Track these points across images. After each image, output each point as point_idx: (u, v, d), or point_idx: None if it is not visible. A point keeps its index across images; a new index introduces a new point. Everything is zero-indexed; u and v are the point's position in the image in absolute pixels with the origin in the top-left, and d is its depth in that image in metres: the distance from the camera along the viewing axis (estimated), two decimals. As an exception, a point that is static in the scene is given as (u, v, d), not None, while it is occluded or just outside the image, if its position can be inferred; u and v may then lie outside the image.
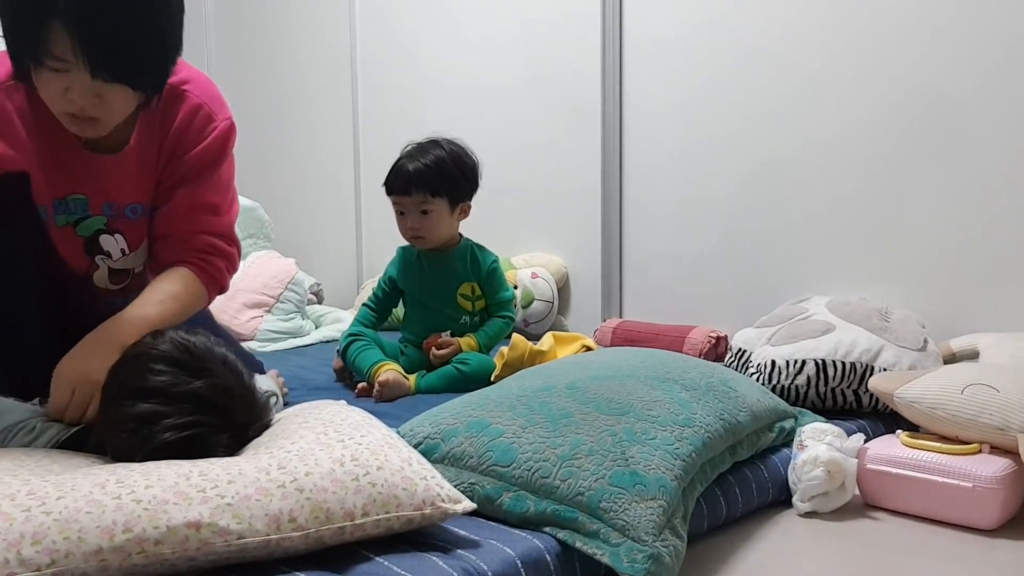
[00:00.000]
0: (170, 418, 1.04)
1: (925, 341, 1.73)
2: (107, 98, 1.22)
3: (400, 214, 1.90)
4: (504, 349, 1.83)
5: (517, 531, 1.05)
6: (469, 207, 1.93)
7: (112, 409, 1.09)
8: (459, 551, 0.97)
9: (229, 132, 1.45)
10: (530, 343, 1.85)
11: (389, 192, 1.89)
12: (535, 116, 2.63)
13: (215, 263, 1.46)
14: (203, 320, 1.53)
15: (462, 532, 1.03)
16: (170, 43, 1.26)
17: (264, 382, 1.40)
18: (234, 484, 0.91)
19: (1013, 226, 1.80)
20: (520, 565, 0.98)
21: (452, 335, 1.90)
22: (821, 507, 1.32)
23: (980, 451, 1.32)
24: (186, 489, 0.89)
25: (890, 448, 1.37)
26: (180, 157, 1.42)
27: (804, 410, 1.57)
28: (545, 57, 2.60)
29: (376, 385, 1.74)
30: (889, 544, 1.24)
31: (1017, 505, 1.30)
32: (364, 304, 2.02)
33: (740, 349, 1.85)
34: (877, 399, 1.62)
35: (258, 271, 2.65)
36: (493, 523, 1.08)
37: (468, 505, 1.01)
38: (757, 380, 1.69)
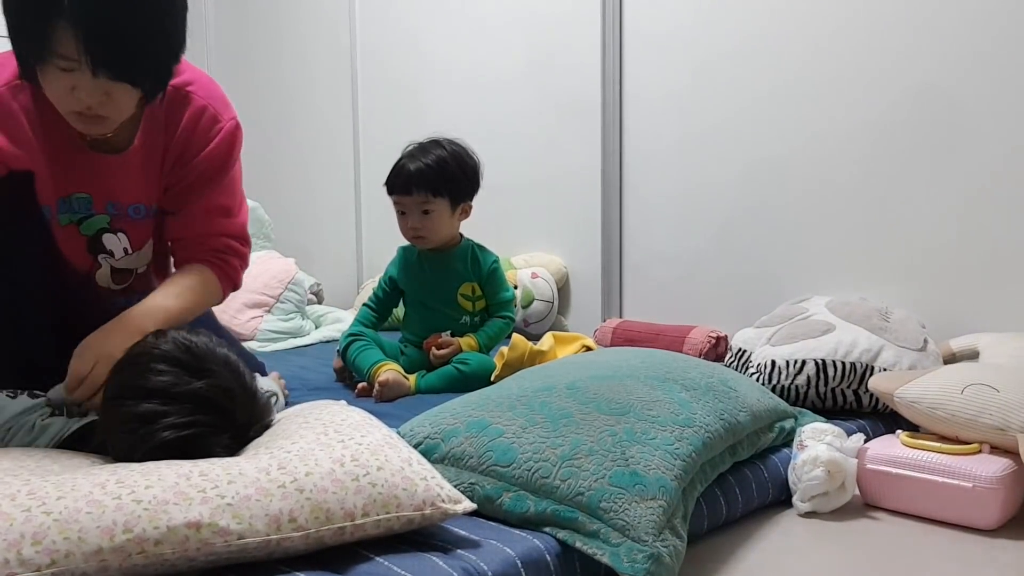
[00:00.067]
0: (170, 417, 1.04)
1: (925, 341, 1.73)
2: (114, 96, 1.23)
3: (401, 214, 1.90)
4: (504, 349, 1.83)
5: (517, 531, 1.05)
6: (470, 207, 1.93)
7: (113, 408, 1.09)
8: (459, 551, 0.97)
9: (235, 133, 1.46)
10: (530, 343, 1.85)
11: (390, 192, 1.89)
12: (535, 116, 2.63)
13: (231, 262, 1.49)
14: (205, 321, 1.54)
15: (462, 532, 1.03)
16: (174, 42, 1.26)
17: (265, 383, 1.40)
18: (234, 484, 0.91)
19: (1013, 226, 1.80)
20: (520, 565, 0.98)
21: (452, 335, 1.90)
22: (821, 507, 1.32)
23: (980, 451, 1.32)
24: (186, 489, 0.89)
25: (890, 448, 1.37)
26: (188, 160, 1.43)
27: (804, 410, 1.57)
28: (545, 57, 2.60)
29: (376, 385, 1.74)
30: (889, 544, 1.24)
31: (1017, 505, 1.30)
32: (364, 304, 2.02)
33: (740, 349, 1.85)
34: (877, 399, 1.62)
35: (258, 271, 2.65)
36: (493, 523, 1.08)
37: (468, 505, 1.01)
38: (757, 380, 1.69)
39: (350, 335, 1.91)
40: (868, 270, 2.01)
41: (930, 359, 1.69)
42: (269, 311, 2.58)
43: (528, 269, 2.54)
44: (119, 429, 1.06)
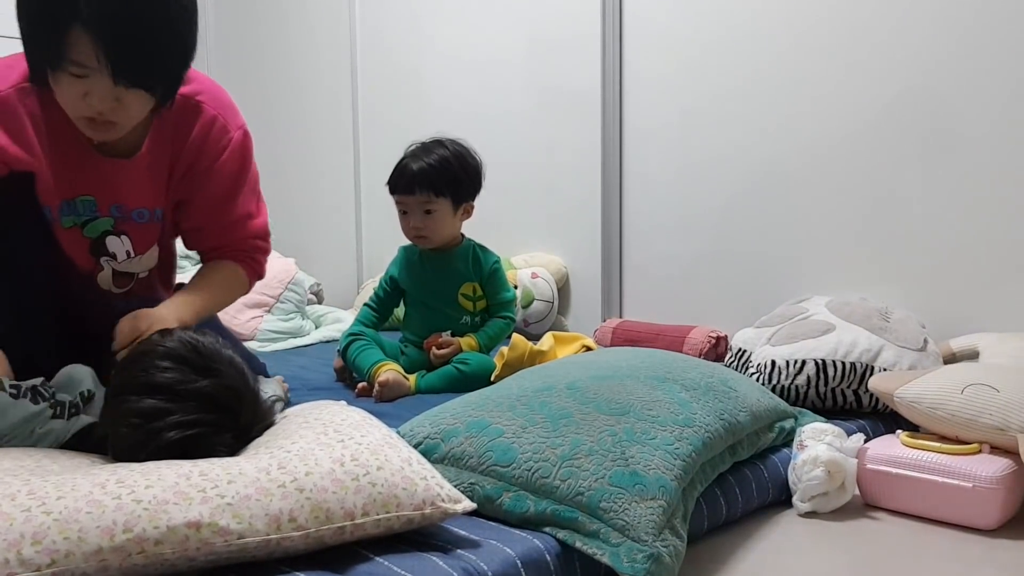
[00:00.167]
0: (174, 415, 1.04)
1: (925, 341, 1.73)
2: (125, 102, 1.24)
3: (403, 213, 1.90)
4: (504, 349, 1.83)
5: (517, 531, 1.05)
6: (472, 207, 1.93)
7: (117, 403, 1.09)
8: (459, 551, 0.97)
9: (245, 141, 1.49)
10: (530, 343, 1.85)
11: (393, 191, 1.89)
12: (536, 117, 2.63)
13: (257, 258, 1.59)
14: (209, 322, 1.55)
15: (462, 532, 1.03)
16: (187, 48, 1.28)
17: (269, 386, 1.41)
18: (234, 484, 0.91)
19: (1013, 226, 1.80)
20: (520, 565, 0.98)
21: (453, 335, 1.90)
22: (821, 507, 1.32)
23: (980, 451, 1.32)
24: (186, 489, 0.89)
25: (890, 448, 1.37)
26: (200, 173, 1.46)
27: (804, 410, 1.57)
28: (546, 57, 2.60)
29: (376, 385, 1.74)
30: (889, 544, 1.24)
31: (1017, 505, 1.30)
32: (365, 304, 2.02)
33: (740, 349, 1.85)
34: (877, 399, 1.62)
35: (258, 271, 2.65)
36: (493, 523, 1.08)
37: (468, 505, 1.01)
38: (757, 380, 1.69)
39: (350, 334, 1.91)
40: (868, 270, 2.01)
41: (930, 359, 1.69)
42: (269, 311, 2.58)
43: (528, 269, 2.54)
44: (121, 424, 1.06)
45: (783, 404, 1.48)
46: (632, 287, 2.45)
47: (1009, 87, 1.79)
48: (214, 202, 1.50)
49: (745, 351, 1.83)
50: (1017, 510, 1.31)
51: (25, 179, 1.33)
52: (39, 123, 1.32)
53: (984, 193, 1.84)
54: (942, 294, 1.90)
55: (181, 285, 1.67)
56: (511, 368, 1.75)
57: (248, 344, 2.31)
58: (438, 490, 1.00)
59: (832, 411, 1.65)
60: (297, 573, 0.90)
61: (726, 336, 2.11)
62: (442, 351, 1.86)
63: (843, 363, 1.65)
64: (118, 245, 1.45)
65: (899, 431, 1.42)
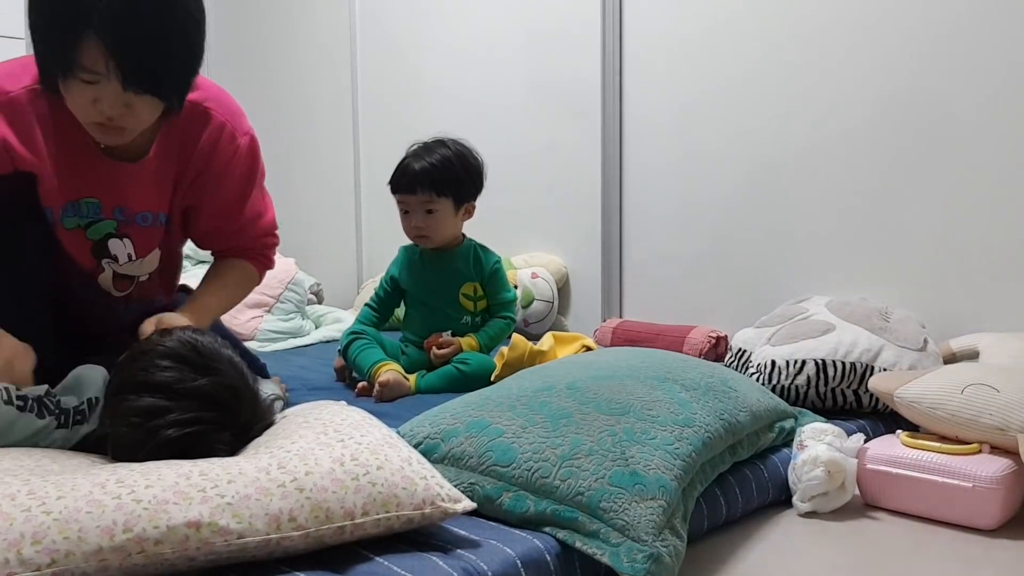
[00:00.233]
0: (174, 413, 1.04)
1: (925, 341, 1.73)
2: (135, 108, 1.25)
3: (405, 213, 1.90)
4: (504, 349, 1.83)
5: (517, 531, 1.05)
6: (473, 207, 1.93)
7: (116, 402, 1.09)
8: (459, 551, 0.97)
9: (253, 147, 1.52)
10: (530, 343, 1.85)
11: (394, 191, 1.89)
12: (535, 116, 2.63)
13: (268, 253, 1.64)
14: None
15: (462, 532, 1.03)
16: (196, 54, 1.29)
17: (268, 387, 1.41)
18: (234, 484, 0.91)
19: (1013, 226, 1.80)
20: (520, 565, 0.98)
21: (453, 335, 1.90)
22: (821, 507, 1.32)
23: (980, 451, 1.32)
24: (186, 489, 0.89)
25: (890, 448, 1.37)
26: (210, 180, 1.48)
27: (804, 410, 1.57)
28: (545, 57, 2.60)
29: (376, 385, 1.74)
30: (889, 544, 1.24)
31: (1017, 505, 1.30)
32: (366, 304, 2.03)
33: (740, 349, 1.85)
34: (877, 399, 1.62)
35: (258, 271, 2.65)
36: (493, 523, 1.08)
37: (468, 504, 1.01)
38: (757, 380, 1.69)
39: (351, 333, 1.91)
40: (868, 270, 2.01)
41: (930, 359, 1.69)
42: (269, 311, 2.58)
43: (528, 269, 2.54)
44: (121, 423, 1.06)
45: (783, 404, 1.48)
46: (632, 287, 2.45)
47: (1010, 87, 1.79)
48: (224, 207, 1.52)
49: (745, 351, 1.83)
50: (1017, 510, 1.31)
51: (27, 179, 1.33)
52: (47, 125, 1.33)
53: (984, 193, 1.84)
54: (942, 294, 1.90)
55: (184, 287, 1.68)
56: (511, 368, 1.75)
57: (248, 344, 2.31)
58: (438, 490, 0.99)
59: (832, 411, 1.65)
60: (297, 573, 0.90)
61: (726, 336, 2.11)
62: (442, 351, 1.86)
63: (843, 363, 1.65)
64: (120, 248, 1.45)
65: (899, 431, 1.42)
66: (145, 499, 0.86)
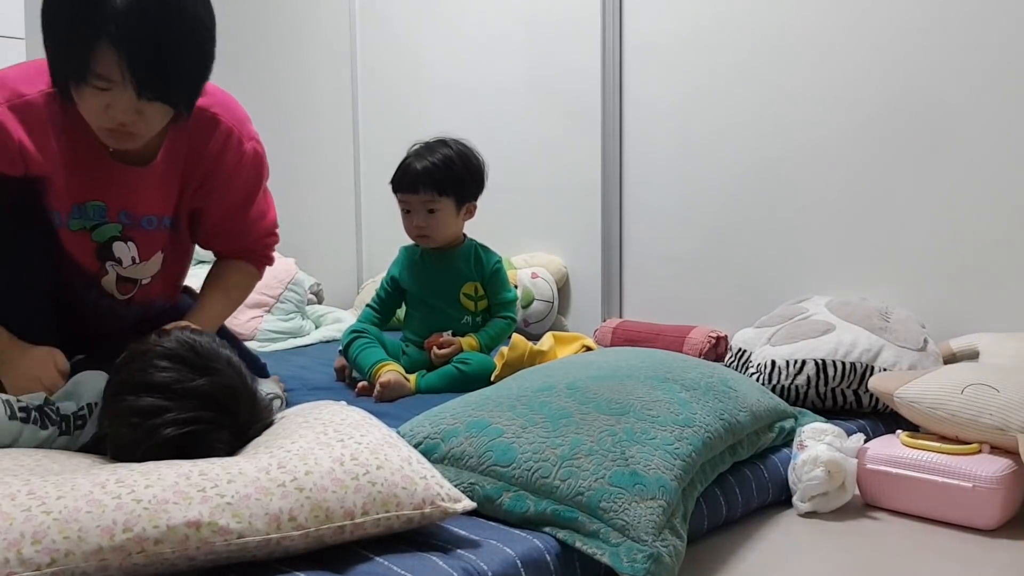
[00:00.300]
0: (172, 413, 1.04)
1: (925, 341, 1.73)
2: (146, 114, 1.27)
3: (406, 212, 1.90)
4: (504, 349, 1.83)
5: (517, 531, 1.05)
6: (475, 207, 1.93)
7: (115, 402, 1.09)
8: (459, 551, 0.97)
9: (259, 152, 1.54)
10: (530, 343, 1.85)
11: (396, 190, 1.89)
12: (535, 116, 2.63)
13: (269, 253, 1.68)
14: None
15: (462, 532, 1.03)
16: (206, 62, 1.31)
17: (267, 386, 1.41)
18: (234, 483, 0.91)
19: (1013, 226, 1.80)
20: (520, 565, 0.98)
21: (453, 335, 1.90)
22: (821, 507, 1.32)
23: (980, 451, 1.32)
24: (186, 488, 0.89)
25: (890, 448, 1.37)
26: (217, 186, 1.50)
27: (804, 410, 1.57)
28: (545, 57, 2.60)
29: (377, 386, 1.74)
30: (889, 544, 1.24)
31: (1017, 505, 1.30)
32: (368, 305, 2.03)
33: (740, 349, 1.85)
34: (877, 399, 1.62)
35: (258, 271, 2.65)
36: (493, 523, 1.08)
37: (468, 504, 1.01)
38: (757, 380, 1.69)
39: (352, 332, 1.91)
40: (868, 270, 2.01)
41: (930, 359, 1.69)
42: (269, 311, 2.58)
43: (528, 269, 2.54)
44: (120, 424, 1.07)
45: (783, 404, 1.48)
46: (632, 287, 2.45)
47: (1009, 87, 1.79)
48: (229, 210, 1.55)
49: (745, 351, 1.83)
50: (1017, 510, 1.31)
51: (33, 182, 1.35)
52: (59, 128, 1.35)
53: (985, 193, 1.84)
54: (942, 294, 1.90)
55: (187, 288, 1.69)
56: (511, 368, 1.75)
57: (248, 344, 2.31)
58: (438, 489, 1.00)
59: (832, 411, 1.65)
60: (297, 573, 0.90)
61: (726, 336, 2.11)
62: (443, 351, 1.86)
63: (843, 363, 1.65)
64: (124, 250, 1.47)
65: (899, 431, 1.42)
66: (145, 499, 0.87)
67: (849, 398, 1.66)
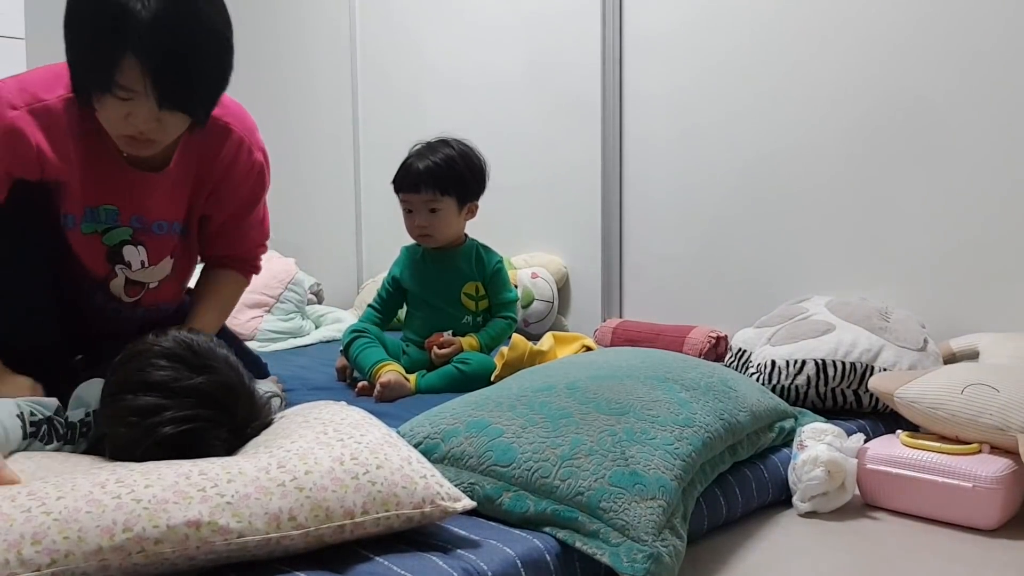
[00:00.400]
0: (170, 411, 1.04)
1: (925, 341, 1.73)
2: (165, 122, 1.29)
3: (408, 212, 1.90)
4: (504, 349, 1.83)
5: (517, 531, 1.05)
6: (476, 207, 1.93)
7: (113, 402, 1.09)
8: (459, 551, 0.97)
9: (266, 163, 1.58)
10: (530, 343, 1.85)
11: (398, 190, 1.89)
12: (535, 116, 2.63)
13: (258, 263, 1.71)
14: None
15: (462, 532, 1.03)
16: (225, 72, 1.33)
17: (265, 386, 1.41)
18: (234, 483, 0.91)
19: (1013, 226, 1.80)
20: (520, 565, 0.98)
21: (454, 335, 1.90)
22: (821, 507, 1.32)
23: (980, 451, 1.32)
24: (186, 488, 0.89)
25: (890, 448, 1.37)
26: (226, 193, 1.53)
27: (804, 410, 1.57)
28: (545, 57, 2.60)
29: (377, 386, 1.74)
30: (889, 544, 1.24)
31: (1017, 505, 1.30)
32: (369, 305, 2.03)
33: (740, 349, 1.85)
34: (877, 399, 1.62)
35: (258, 271, 2.65)
36: (493, 523, 1.08)
37: (468, 503, 1.01)
38: (757, 380, 1.69)
39: (353, 331, 1.91)
40: (868, 270, 2.01)
41: (930, 359, 1.69)
42: (269, 311, 2.58)
43: (528, 269, 2.54)
44: (118, 423, 1.07)
45: (783, 404, 1.48)
46: (632, 287, 2.45)
47: (1008, 87, 1.79)
48: (232, 216, 1.58)
49: (745, 351, 1.83)
50: (1017, 510, 1.31)
51: (45, 185, 1.37)
52: (76, 133, 1.36)
53: (984, 193, 1.84)
54: (942, 294, 1.90)
55: (190, 290, 1.70)
56: (511, 368, 1.75)
57: (248, 344, 2.31)
58: (438, 488, 1.00)
59: (832, 411, 1.65)
60: (297, 573, 0.90)
61: (726, 336, 2.11)
62: (443, 350, 1.86)
63: (843, 363, 1.65)
64: (134, 254, 1.49)
65: (899, 431, 1.42)
66: (145, 499, 0.86)
67: (849, 398, 1.66)
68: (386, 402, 1.72)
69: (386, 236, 2.68)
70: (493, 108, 2.72)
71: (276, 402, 1.33)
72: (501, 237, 2.32)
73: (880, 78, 1.96)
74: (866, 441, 1.39)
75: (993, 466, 1.27)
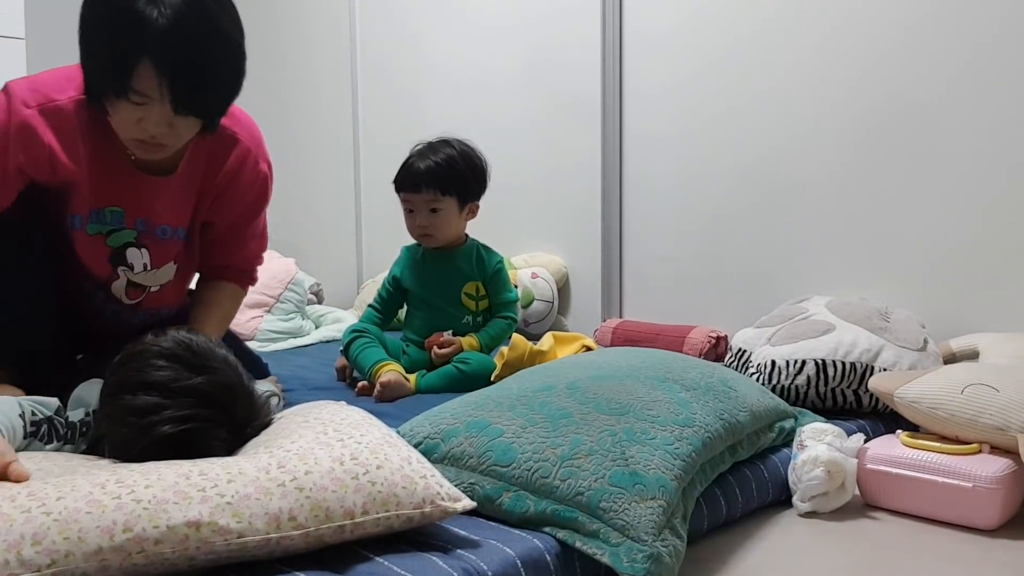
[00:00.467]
0: (169, 411, 1.04)
1: (925, 341, 1.73)
2: (177, 127, 1.30)
3: (409, 212, 1.90)
4: (504, 349, 1.83)
5: (517, 531, 1.05)
6: (477, 207, 1.93)
7: (112, 402, 1.09)
8: (459, 551, 0.97)
9: (270, 175, 1.59)
10: (530, 343, 1.85)
11: (399, 189, 1.90)
12: (535, 116, 2.63)
13: (255, 274, 1.72)
14: None
15: (462, 532, 1.03)
16: (238, 78, 1.35)
17: (264, 386, 1.41)
18: (234, 483, 0.91)
19: (1013, 226, 1.80)
20: (520, 565, 0.98)
21: (454, 335, 1.90)
22: (821, 507, 1.32)
23: (980, 451, 1.32)
24: (186, 488, 0.89)
25: (890, 448, 1.37)
26: (231, 202, 1.55)
27: (804, 410, 1.57)
28: (545, 57, 2.60)
29: (377, 385, 1.74)
30: (889, 544, 1.24)
31: (1017, 505, 1.30)
32: (370, 305, 2.03)
33: (740, 349, 1.85)
34: (877, 399, 1.62)
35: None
36: (493, 523, 1.08)
37: (467, 503, 1.01)
38: (757, 380, 1.69)
39: (353, 331, 1.91)
40: (868, 270, 2.01)
41: (930, 359, 1.69)
42: (269, 311, 2.58)
43: (528, 269, 2.54)
44: (118, 423, 1.07)
45: (783, 404, 1.48)
46: (632, 287, 2.45)
47: (1008, 87, 1.79)
48: (233, 226, 1.59)
49: (745, 351, 1.83)
50: (1017, 510, 1.31)
51: (59, 188, 1.39)
52: (87, 135, 1.37)
53: (984, 193, 1.84)
54: (942, 294, 1.89)
55: (192, 292, 1.70)
56: (511, 368, 1.75)
57: (248, 344, 2.31)
58: (438, 488, 1.00)
59: (832, 411, 1.65)
60: (297, 573, 0.90)
61: (726, 336, 2.11)
62: (443, 350, 1.86)
63: (843, 363, 1.65)
64: (137, 257, 1.49)
65: (899, 431, 1.42)
66: (145, 499, 0.86)
67: (849, 398, 1.66)
68: (386, 402, 1.72)
69: (386, 236, 2.68)
70: (493, 107, 2.72)
71: (274, 401, 1.33)
72: (501, 237, 2.32)
73: (881, 77, 1.96)
74: (866, 441, 1.39)
75: (993, 466, 1.27)
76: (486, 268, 1.95)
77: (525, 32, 2.65)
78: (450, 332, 1.91)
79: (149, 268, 1.51)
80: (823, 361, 1.66)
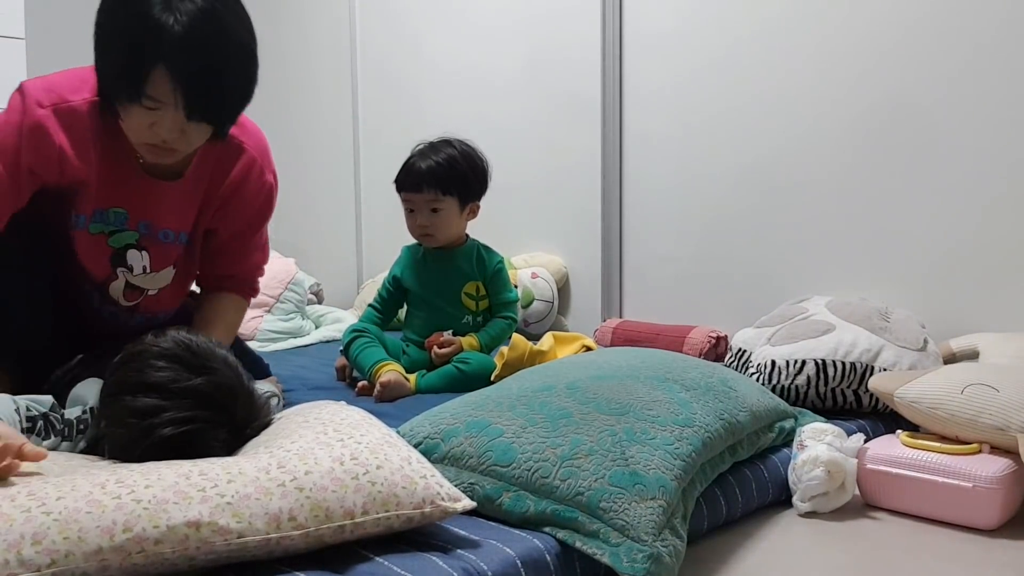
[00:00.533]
0: (169, 412, 1.04)
1: (925, 341, 1.73)
2: (188, 133, 1.31)
3: (410, 211, 1.90)
4: (504, 349, 1.83)
5: (517, 531, 1.05)
6: (478, 207, 1.94)
7: (112, 402, 1.09)
8: (459, 551, 0.97)
9: (275, 186, 1.60)
10: (530, 343, 1.85)
11: (400, 189, 1.90)
12: (535, 116, 2.63)
13: (256, 285, 1.71)
14: None
15: (462, 532, 1.03)
16: (251, 86, 1.36)
17: (263, 386, 1.41)
18: (234, 483, 0.91)
19: (1013, 226, 1.80)
20: (520, 565, 0.98)
21: (454, 335, 1.90)
22: (821, 507, 1.32)
23: (980, 451, 1.32)
24: (186, 488, 0.89)
25: (890, 448, 1.37)
26: (235, 211, 1.55)
27: (804, 410, 1.57)
28: (545, 56, 2.60)
29: (377, 385, 1.74)
30: (889, 544, 1.24)
31: (1017, 505, 1.30)
32: (370, 305, 2.03)
33: (740, 349, 1.85)
34: (877, 399, 1.62)
35: (258, 271, 2.65)
36: (493, 523, 1.08)
37: (467, 503, 1.01)
38: (757, 380, 1.69)
39: (353, 331, 1.92)
40: (868, 270, 2.01)
41: (930, 359, 1.69)
42: (269, 311, 2.58)
43: (528, 269, 2.54)
44: (118, 424, 1.07)
45: (783, 404, 1.48)
46: (632, 287, 2.45)
47: (1008, 87, 1.79)
48: (236, 235, 1.59)
49: (745, 351, 1.83)
50: (1017, 510, 1.31)
51: (66, 189, 1.39)
52: (97, 137, 1.38)
53: (984, 193, 1.84)
54: (942, 294, 1.89)
55: (193, 293, 1.70)
56: (511, 368, 1.75)
57: (248, 344, 2.31)
58: (438, 489, 1.00)
59: (832, 411, 1.65)
60: (297, 573, 0.90)
61: (726, 336, 2.11)
62: (443, 350, 1.86)
63: (843, 363, 1.65)
64: (137, 259, 1.50)
65: (899, 431, 1.42)
66: (145, 499, 0.86)
67: (849, 398, 1.66)
68: (386, 402, 1.72)
69: (386, 236, 2.68)
70: (493, 107, 2.72)
71: (274, 402, 1.33)
72: (501, 237, 2.32)
73: (881, 77, 1.96)
74: (866, 441, 1.39)
75: (993, 466, 1.27)
76: (486, 268, 1.95)
77: (525, 32, 2.65)
78: (450, 332, 1.91)
79: (148, 271, 1.51)
80: (823, 361, 1.66)
